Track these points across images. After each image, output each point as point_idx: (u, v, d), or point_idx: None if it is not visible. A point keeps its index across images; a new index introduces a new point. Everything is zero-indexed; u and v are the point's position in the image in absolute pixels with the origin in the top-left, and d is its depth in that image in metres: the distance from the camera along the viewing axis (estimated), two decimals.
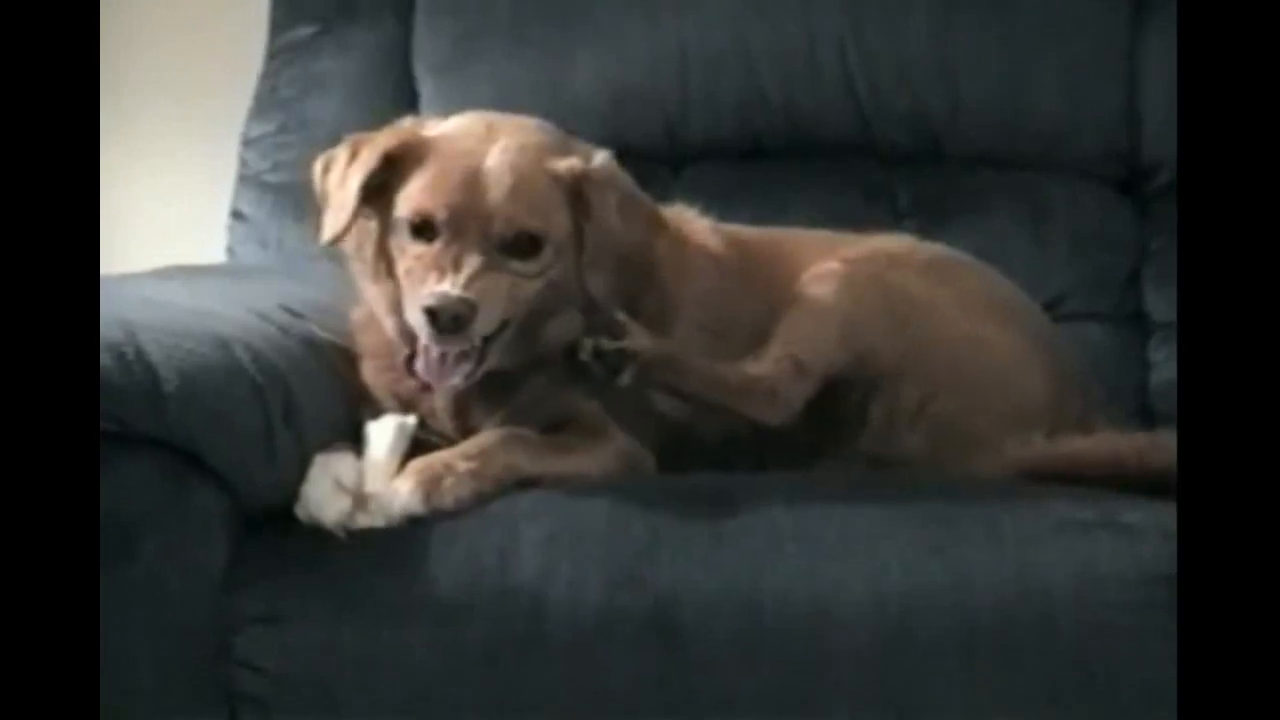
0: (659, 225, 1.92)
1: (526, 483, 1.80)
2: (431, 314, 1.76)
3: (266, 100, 2.53)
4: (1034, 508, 1.76)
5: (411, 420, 1.83)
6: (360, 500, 1.75)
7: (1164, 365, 2.35)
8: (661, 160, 2.46)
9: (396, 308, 1.85)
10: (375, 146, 1.85)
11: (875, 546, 1.70)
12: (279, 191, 2.49)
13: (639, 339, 1.86)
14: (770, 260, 2.06)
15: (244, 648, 1.68)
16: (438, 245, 1.80)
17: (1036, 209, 2.42)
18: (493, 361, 1.82)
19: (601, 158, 1.89)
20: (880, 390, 1.95)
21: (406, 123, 1.92)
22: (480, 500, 1.75)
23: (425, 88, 2.52)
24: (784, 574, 1.68)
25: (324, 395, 1.85)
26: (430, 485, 1.74)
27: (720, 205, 2.18)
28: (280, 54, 2.55)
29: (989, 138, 2.46)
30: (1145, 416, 2.28)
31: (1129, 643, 1.66)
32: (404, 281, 1.83)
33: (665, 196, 2.18)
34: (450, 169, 1.82)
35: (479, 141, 1.84)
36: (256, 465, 1.71)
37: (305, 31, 2.54)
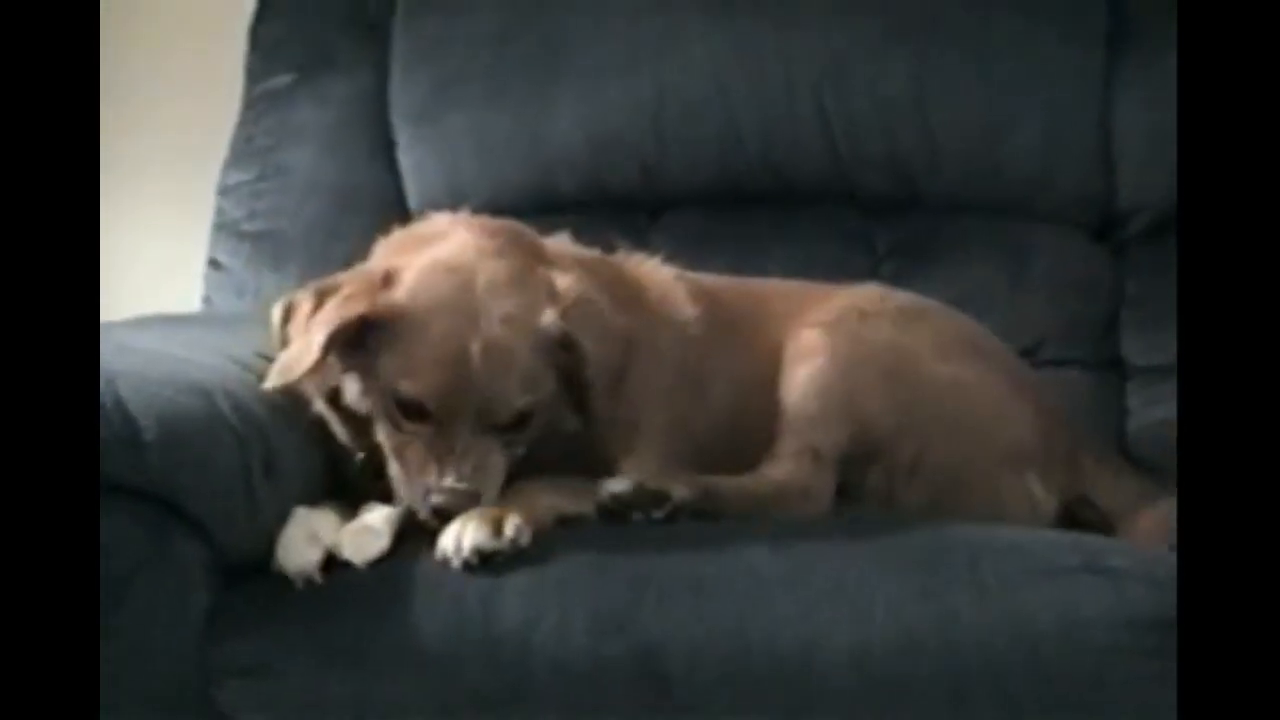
0: (629, 337, 1.90)
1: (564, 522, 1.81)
2: (438, 511, 1.76)
3: (243, 149, 2.53)
4: (1018, 552, 1.76)
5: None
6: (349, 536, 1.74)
7: (1141, 411, 2.36)
8: (639, 207, 2.46)
9: (359, 442, 1.85)
10: (349, 308, 1.79)
11: (861, 591, 1.70)
12: (256, 240, 2.48)
13: (679, 490, 1.84)
14: (738, 312, 2.05)
15: (226, 699, 1.67)
16: (430, 429, 1.78)
17: (1014, 255, 2.43)
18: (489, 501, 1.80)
19: (569, 283, 1.86)
20: (878, 454, 1.95)
21: (375, 269, 1.87)
22: (535, 540, 1.74)
23: (402, 136, 2.52)
24: (770, 620, 1.68)
25: (304, 445, 1.84)
26: (493, 524, 1.73)
27: (698, 252, 2.19)
28: (257, 103, 2.54)
29: (966, 185, 2.47)
30: None
31: (1115, 688, 1.66)
32: (392, 452, 1.81)
33: (643, 243, 2.19)
34: (436, 354, 1.78)
35: (462, 317, 1.79)
36: (237, 515, 1.70)
37: (282, 81, 2.54)
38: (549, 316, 1.82)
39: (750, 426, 1.97)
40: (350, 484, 1.88)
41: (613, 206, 2.45)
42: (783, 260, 2.31)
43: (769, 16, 2.46)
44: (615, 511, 1.82)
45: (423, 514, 1.77)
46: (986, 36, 2.45)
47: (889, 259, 2.44)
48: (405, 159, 2.51)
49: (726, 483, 1.90)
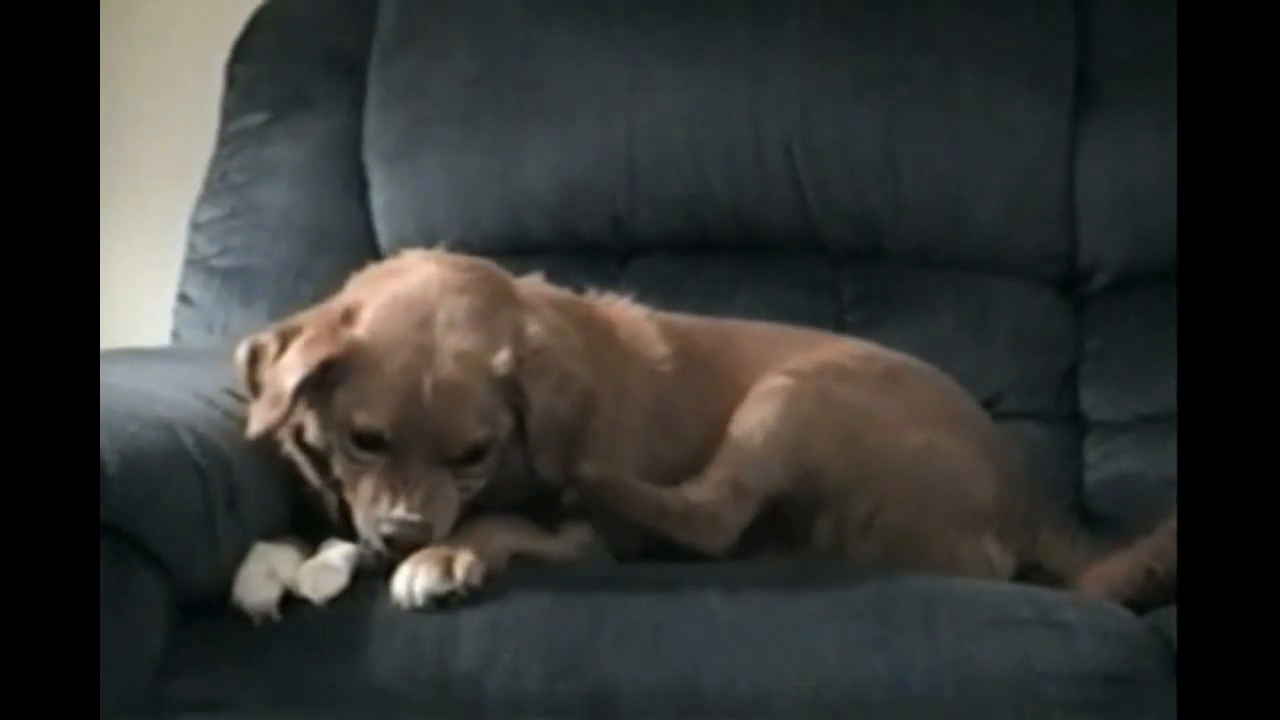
0: (589, 392, 1.90)
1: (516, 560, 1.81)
2: (389, 542, 1.77)
3: (217, 185, 2.54)
4: (970, 602, 1.77)
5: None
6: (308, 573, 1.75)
7: (1099, 465, 2.38)
8: (609, 252, 2.48)
9: (325, 480, 1.86)
10: (312, 354, 1.81)
11: (814, 638, 1.71)
12: (226, 276, 2.49)
13: (583, 465, 1.86)
14: (712, 352, 2.06)
15: None
16: (384, 460, 1.79)
17: (977, 308, 2.45)
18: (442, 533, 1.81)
19: (538, 331, 1.87)
20: (826, 506, 1.95)
21: (336, 306, 1.88)
22: (488, 579, 1.75)
23: (375, 176, 2.53)
24: (724, 664, 1.69)
25: (267, 481, 1.84)
26: (444, 566, 1.74)
27: (667, 298, 2.20)
28: (232, 140, 2.56)
29: (932, 237, 2.49)
30: (1080, 515, 2.30)
31: None
32: (348, 484, 1.82)
33: (612, 287, 2.20)
34: (392, 385, 1.79)
35: (418, 352, 1.81)
36: (197, 550, 1.70)
37: (257, 119, 2.55)
38: (502, 357, 1.83)
39: None
40: (315, 520, 1.89)
41: (583, 251, 2.46)
42: (749, 308, 2.33)
43: (740, 67, 2.48)
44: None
45: (375, 544, 1.78)
46: (954, 93, 2.48)
47: (854, 309, 2.46)
48: (377, 198, 2.52)
49: (642, 485, 1.90)
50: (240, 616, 1.72)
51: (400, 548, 1.77)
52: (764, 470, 1.93)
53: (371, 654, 1.69)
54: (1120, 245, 2.46)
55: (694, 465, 1.95)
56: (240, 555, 1.75)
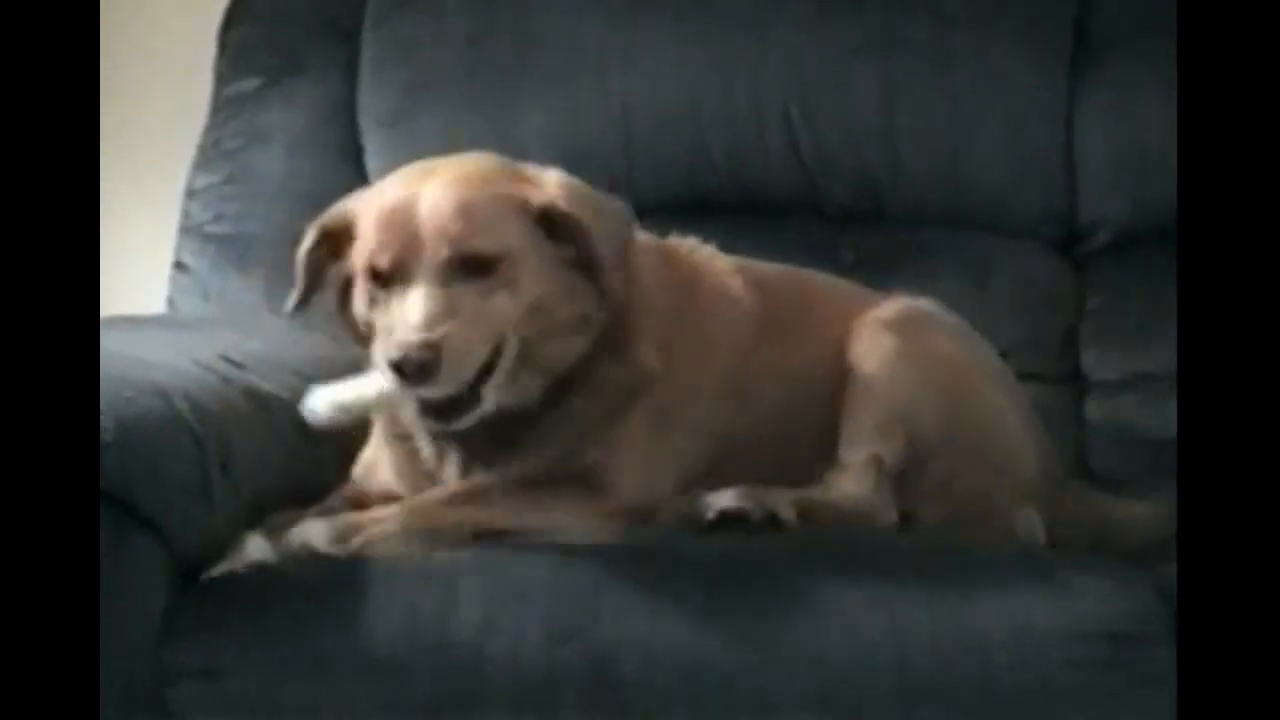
0: (626, 214, 1.86)
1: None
2: (398, 368, 1.69)
3: (211, 152, 2.52)
4: (973, 563, 1.77)
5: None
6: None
7: (1099, 424, 2.37)
8: None
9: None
10: (315, 224, 1.85)
11: (815, 601, 1.70)
12: (221, 243, 2.48)
13: (785, 510, 1.81)
14: (792, 308, 1.99)
15: (180, 701, 1.67)
16: (395, 291, 1.74)
17: (978, 269, 2.44)
18: (490, 404, 1.75)
19: (555, 177, 1.83)
20: (912, 471, 1.92)
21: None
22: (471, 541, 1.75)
23: (371, 141, 2.52)
24: (725, 629, 1.68)
25: (264, 447, 1.84)
26: (340, 532, 1.74)
27: None
28: (226, 106, 2.54)
29: (931, 198, 2.48)
30: (1081, 474, 2.29)
31: (1067, 700, 1.67)
32: (376, 332, 1.78)
33: None
34: (388, 214, 1.76)
35: (415, 182, 1.79)
36: (194, 516, 1.70)
37: (251, 84, 2.54)
38: (540, 196, 1.77)
39: (797, 429, 1.92)
40: (312, 486, 1.89)
41: None
42: None
43: (739, 31, 2.47)
44: (715, 527, 1.79)
45: (389, 380, 1.71)
46: (952, 54, 2.46)
47: (855, 271, 2.44)
48: (373, 164, 2.50)
49: (813, 499, 1.86)
50: (238, 583, 1.71)
51: (409, 374, 1.68)
52: (895, 444, 1.90)
53: (371, 621, 1.69)
54: (1120, 204, 2.45)
55: (760, 437, 1.90)
56: (237, 520, 1.74)
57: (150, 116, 2.73)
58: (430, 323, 1.70)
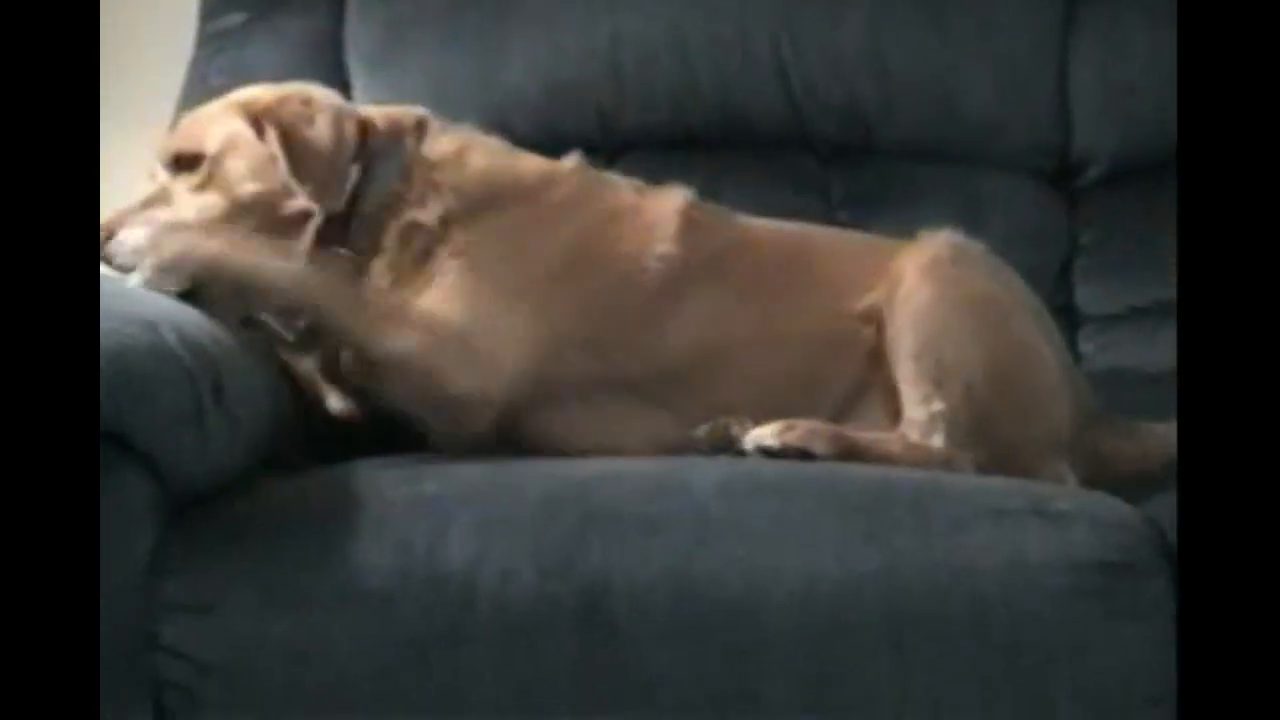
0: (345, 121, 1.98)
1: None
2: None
3: (197, 88, 2.50)
4: (964, 495, 1.76)
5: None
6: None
7: (1094, 358, 2.37)
8: (595, 150, 2.43)
9: None
10: None
11: (807, 533, 1.69)
12: None
13: (820, 447, 1.86)
14: (768, 267, 2.02)
15: (170, 635, 1.66)
16: None
17: (969, 203, 2.43)
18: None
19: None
20: (945, 412, 1.93)
21: None
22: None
23: (357, 79, 2.51)
24: (716, 561, 1.68)
25: (253, 377, 1.82)
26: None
27: None
28: (210, 41, 2.53)
29: (922, 132, 2.47)
30: None
31: (1059, 630, 1.66)
32: None
33: None
34: None
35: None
36: (186, 448, 1.68)
37: (236, 19, 2.53)
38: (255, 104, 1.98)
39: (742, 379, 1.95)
40: (307, 413, 1.88)
41: (569, 149, 2.42)
42: (737, 204, 2.27)
43: None
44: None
45: None
46: None
47: (844, 205, 2.45)
48: (360, 100, 2.47)
49: (867, 441, 1.88)
50: (230, 517, 1.71)
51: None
52: (953, 399, 1.91)
53: (360, 555, 1.68)
54: (1114, 136, 2.44)
55: (649, 375, 1.94)
56: (231, 452, 1.73)
57: (137, 53, 2.71)
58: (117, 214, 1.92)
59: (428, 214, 1.95)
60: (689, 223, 2.00)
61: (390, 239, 1.95)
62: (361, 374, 1.90)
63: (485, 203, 1.97)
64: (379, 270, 1.94)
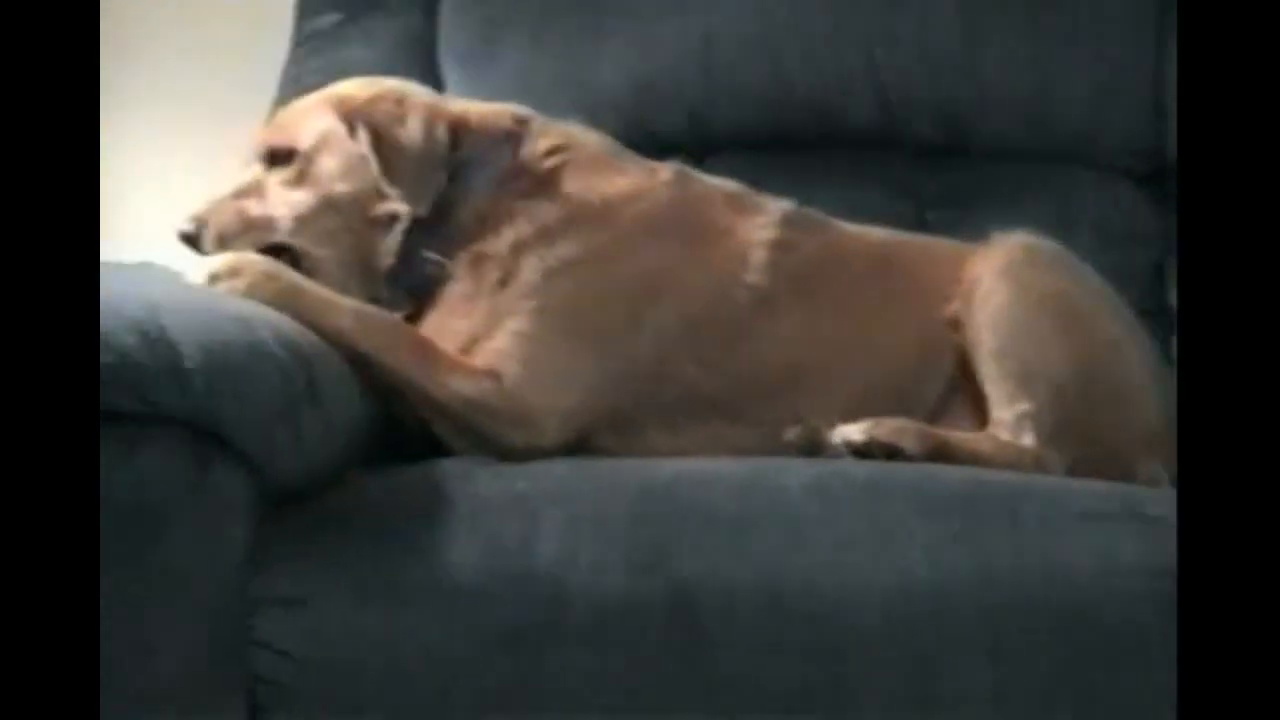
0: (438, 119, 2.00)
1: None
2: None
3: (292, 88, 2.51)
4: (1056, 497, 1.75)
5: None
6: None
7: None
8: (686, 150, 2.44)
9: None
10: None
11: (898, 534, 1.69)
12: None
13: (910, 444, 1.85)
14: (855, 279, 2.01)
15: (265, 630, 1.67)
16: None
17: (1062, 204, 2.42)
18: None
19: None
20: (1029, 411, 1.92)
21: None
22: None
23: (450, 77, 2.52)
24: (807, 562, 1.68)
25: (346, 377, 1.83)
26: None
27: None
28: (306, 42, 2.55)
29: (1015, 133, 2.45)
30: None
31: (1151, 634, 1.65)
32: None
33: None
34: None
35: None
36: (281, 444, 1.69)
37: (330, 19, 2.55)
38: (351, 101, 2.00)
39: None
40: (395, 419, 1.89)
41: (659, 149, 2.42)
42: (828, 206, 2.27)
43: None
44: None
45: None
46: None
47: (935, 205, 2.43)
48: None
49: (956, 439, 1.87)
50: (323, 512, 1.72)
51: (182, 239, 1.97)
52: (1040, 400, 1.90)
53: (454, 550, 1.69)
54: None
55: (734, 392, 1.94)
56: (326, 448, 1.74)
57: (232, 52, 2.74)
58: (210, 202, 1.98)
59: (499, 243, 1.93)
60: (780, 248, 1.99)
61: (461, 267, 1.94)
62: (416, 415, 1.90)
63: (561, 228, 1.95)
64: (451, 299, 1.93)
